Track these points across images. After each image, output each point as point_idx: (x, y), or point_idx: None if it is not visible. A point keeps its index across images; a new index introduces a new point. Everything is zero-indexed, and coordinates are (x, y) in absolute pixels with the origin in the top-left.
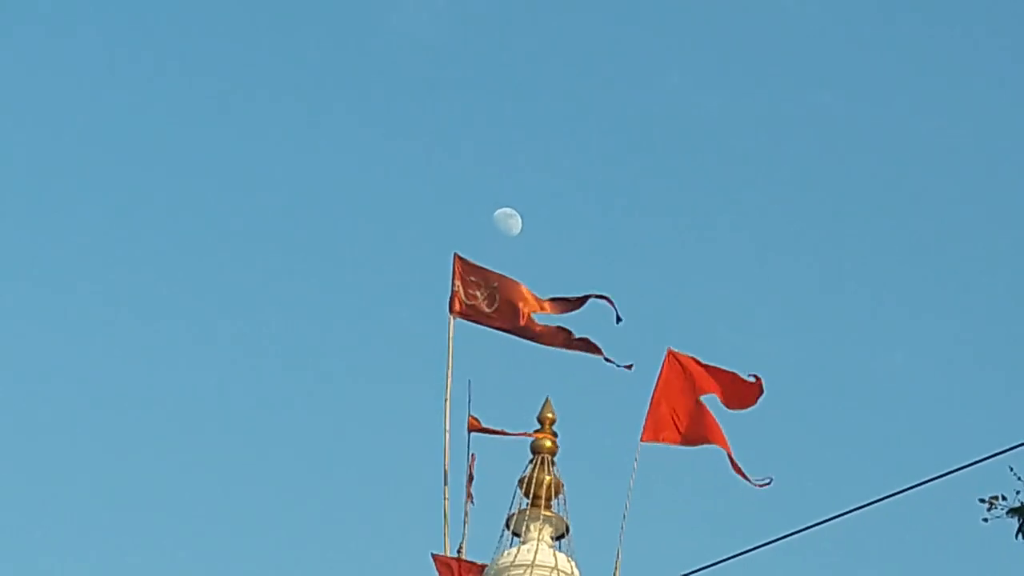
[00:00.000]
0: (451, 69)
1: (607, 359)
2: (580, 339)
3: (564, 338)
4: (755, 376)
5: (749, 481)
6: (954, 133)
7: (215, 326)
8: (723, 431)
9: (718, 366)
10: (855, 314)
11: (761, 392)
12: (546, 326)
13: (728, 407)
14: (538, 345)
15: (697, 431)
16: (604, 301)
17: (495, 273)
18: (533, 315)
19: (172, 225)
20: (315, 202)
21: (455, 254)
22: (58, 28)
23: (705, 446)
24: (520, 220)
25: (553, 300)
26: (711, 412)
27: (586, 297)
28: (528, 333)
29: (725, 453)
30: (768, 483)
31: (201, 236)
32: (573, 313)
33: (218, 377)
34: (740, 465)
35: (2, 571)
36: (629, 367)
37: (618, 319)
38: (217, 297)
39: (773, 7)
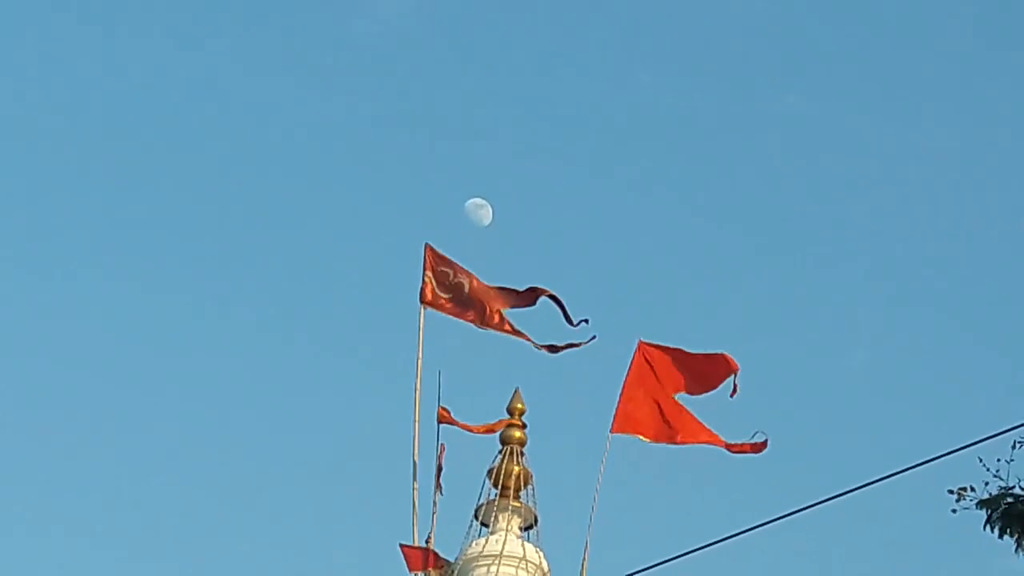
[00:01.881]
0: (422, 61)
1: (573, 344)
2: (546, 345)
3: (524, 336)
4: (726, 358)
5: (747, 450)
6: (922, 135)
7: (188, 314)
8: (702, 423)
9: (685, 349)
10: (824, 309)
11: (730, 371)
12: (513, 327)
13: (694, 394)
14: (508, 336)
15: (669, 427)
16: (553, 302)
17: (463, 268)
18: (503, 311)
19: (148, 224)
20: (285, 192)
21: (426, 244)
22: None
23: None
24: (491, 210)
25: (502, 290)
26: (689, 411)
27: (536, 294)
28: (498, 328)
29: (715, 445)
30: (764, 441)
31: (173, 232)
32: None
33: (185, 364)
34: (729, 441)
35: (2, 572)
36: (585, 321)
37: (568, 321)
38: (190, 287)
39: (743, 8)
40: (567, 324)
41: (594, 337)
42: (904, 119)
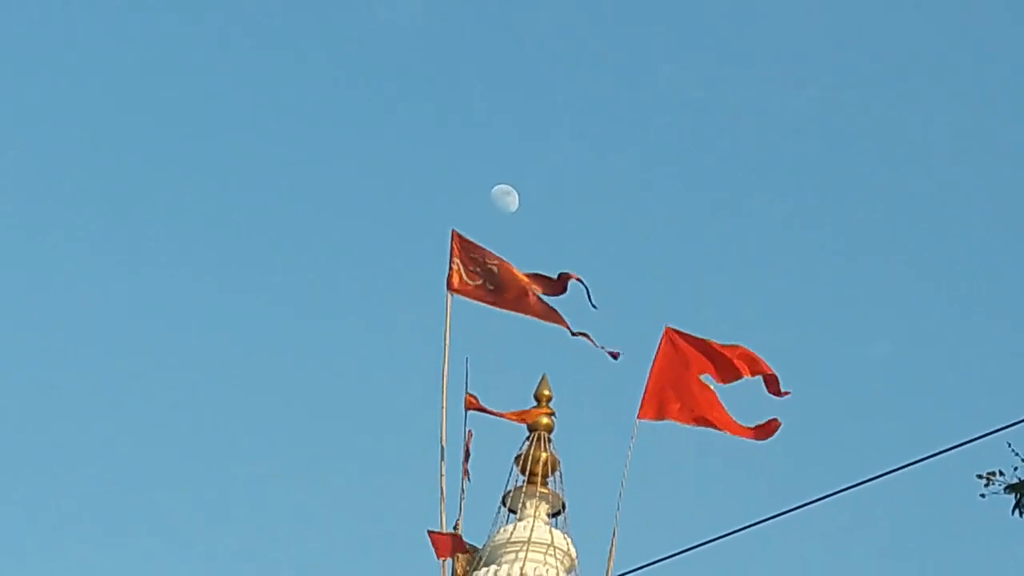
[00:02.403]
0: (449, 47)
1: (599, 346)
2: (578, 332)
3: (560, 322)
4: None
5: (764, 434)
6: (943, 127)
7: (212, 303)
8: (726, 409)
9: (713, 340)
10: (850, 295)
11: (759, 371)
12: (547, 307)
13: (720, 382)
14: (537, 321)
15: (695, 410)
16: (580, 284)
17: (494, 254)
18: (537, 295)
19: (174, 212)
20: (312, 180)
21: (453, 231)
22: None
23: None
24: (517, 197)
25: (534, 276)
26: (714, 391)
27: (566, 280)
28: (529, 311)
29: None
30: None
31: (200, 219)
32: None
33: (212, 352)
34: (751, 428)
35: (3, 572)
36: (615, 356)
37: (592, 304)
38: (216, 276)
39: (765, 0)
40: (591, 307)
41: (619, 355)
42: (927, 110)
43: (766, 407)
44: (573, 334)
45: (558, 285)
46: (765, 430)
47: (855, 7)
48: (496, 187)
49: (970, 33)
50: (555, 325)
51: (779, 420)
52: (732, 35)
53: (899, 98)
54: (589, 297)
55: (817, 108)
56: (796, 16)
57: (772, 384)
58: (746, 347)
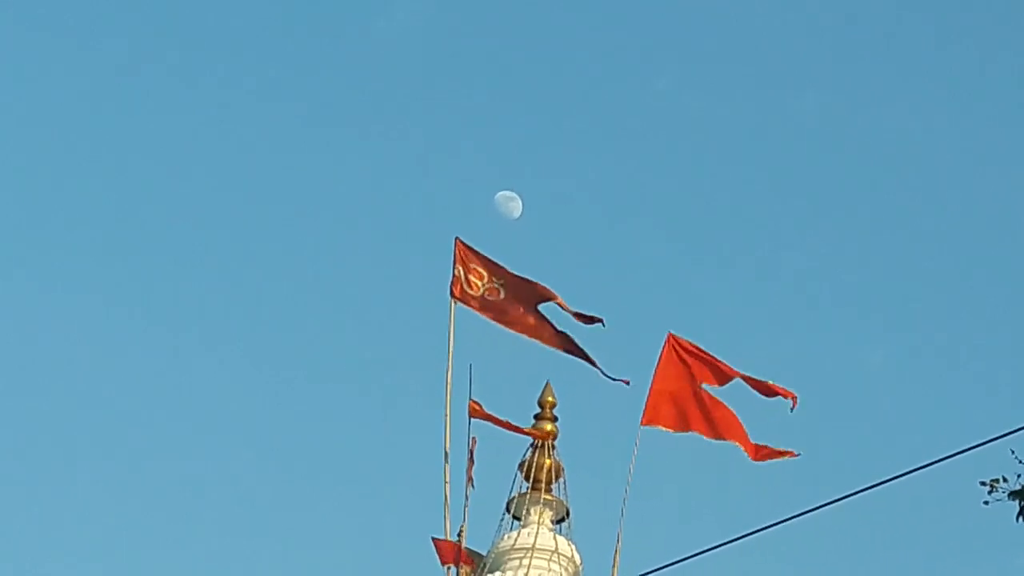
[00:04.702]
0: (451, 54)
1: (605, 374)
2: (580, 350)
3: (562, 343)
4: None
5: (776, 454)
6: (940, 135)
7: (217, 311)
8: (737, 417)
9: (716, 357)
10: (850, 303)
11: (771, 392)
12: (548, 329)
13: (718, 384)
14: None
15: (699, 418)
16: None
17: (500, 268)
18: (537, 308)
19: (176, 219)
20: (315, 187)
21: (457, 239)
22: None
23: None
24: (521, 203)
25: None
26: (721, 401)
27: (580, 317)
28: (531, 334)
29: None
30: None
31: (201, 224)
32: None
33: (216, 361)
34: (759, 444)
35: (3, 572)
36: (626, 382)
37: (604, 373)
38: (219, 283)
39: (761, 10)
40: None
41: (627, 381)
42: (927, 115)
43: (785, 435)
44: (582, 357)
45: (565, 342)
46: (768, 453)
47: (856, 15)
48: (499, 193)
49: (974, 37)
50: (562, 352)
51: (794, 452)
52: (732, 43)
53: (897, 105)
54: (599, 368)
55: (818, 114)
56: (799, 24)
57: (777, 391)
58: (746, 374)
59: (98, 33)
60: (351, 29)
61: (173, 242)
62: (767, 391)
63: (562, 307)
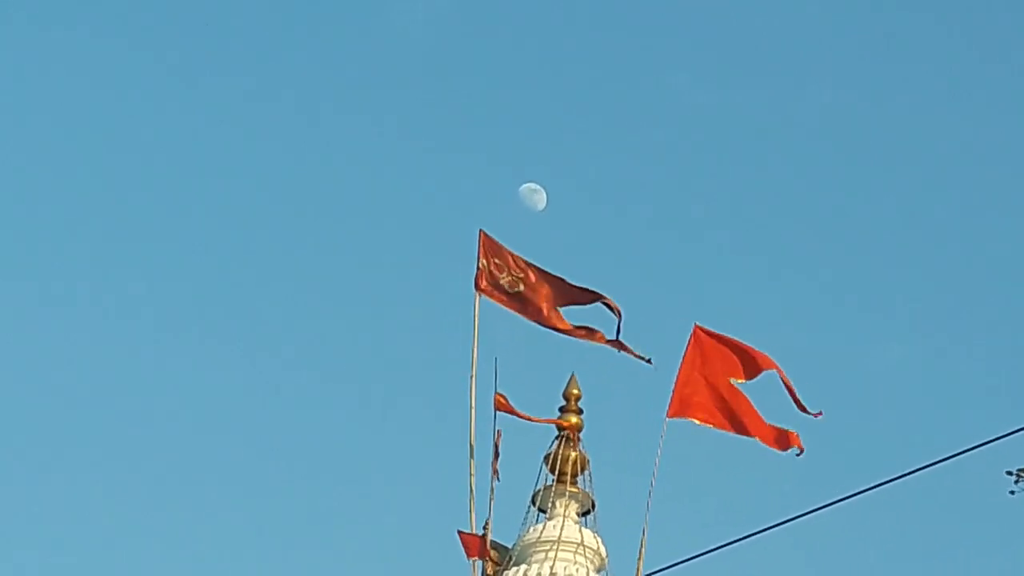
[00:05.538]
0: (472, 47)
1: (634, 354)
2: (612, 341)
3: (586, 333)
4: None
5: (782, 444)
6: (956, 131)
7: (240, 302)
8: (758, 412)
9: (741, 341)
10: (869, 300)
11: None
12: (572, 325)
13: (747, 378)
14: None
15: (724, 412)
16: (611, 312)
17: (523, 260)
18: (559, 308)
19: (183, 216)
20: (340, 179)
21: (480, 231)
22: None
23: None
24: (545, 195)
25: (558, 286)
26: (745, 395)
27: (593, 296)
28: (554, 326)
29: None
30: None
31: (221, 225)
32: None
33: (245, 354)
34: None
35: (3, 572)
36: (648, 361)
37: (617, 333)
38: (242, 275)
39: (776, 5)
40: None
41: (650, 361)
42: (938, 114)
43: (804, 430)
44: (608, 342)
45: (584, 296)
46: (786, 440)
47: (869, 14)
48: (524, 185)
49: (982, 37)
50: (584, 340)
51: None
52: (751, 38)
53: (909, 102)
54: (618, 329)
55: (840, 109)
56: (808, 22)
57: (799, 407)
58: (774, 361)
59: (98, 33)
60: (375, 20)
61: (185, 241)
62: (792, 396)
63: (612, 308)
